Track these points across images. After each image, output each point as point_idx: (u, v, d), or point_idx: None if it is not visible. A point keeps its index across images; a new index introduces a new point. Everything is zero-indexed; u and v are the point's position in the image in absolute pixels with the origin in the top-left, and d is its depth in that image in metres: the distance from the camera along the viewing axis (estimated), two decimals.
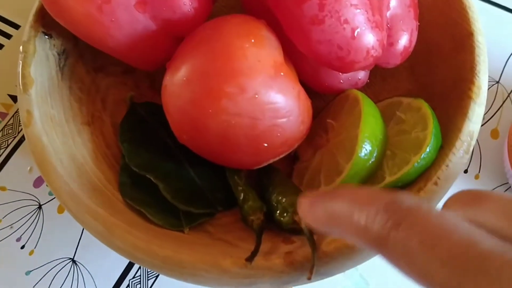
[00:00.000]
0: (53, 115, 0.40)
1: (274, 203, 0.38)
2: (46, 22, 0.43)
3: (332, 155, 0.39)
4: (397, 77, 0.45)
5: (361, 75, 0.41)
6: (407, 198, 0.22)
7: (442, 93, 0.40)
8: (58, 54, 0.43)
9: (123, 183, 0.40)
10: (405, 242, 0.20)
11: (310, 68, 0.40)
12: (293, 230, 0.37)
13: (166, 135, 0.42)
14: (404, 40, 0.40)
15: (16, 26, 0.60)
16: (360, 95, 0.39)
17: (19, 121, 0.54)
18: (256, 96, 0.34)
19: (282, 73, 0.36)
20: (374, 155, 0.37)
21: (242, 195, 0.40)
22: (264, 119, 0.35)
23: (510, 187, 0.47)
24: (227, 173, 0.41)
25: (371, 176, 0.37)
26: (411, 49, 0.40)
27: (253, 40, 0.35)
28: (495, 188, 0.48)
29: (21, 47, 0.42)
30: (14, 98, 0.56)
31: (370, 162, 0.37)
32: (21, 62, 0.41)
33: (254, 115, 0.35)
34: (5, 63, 0.58)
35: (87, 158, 0.41)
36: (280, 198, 0.38)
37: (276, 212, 0.38)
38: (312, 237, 0.35)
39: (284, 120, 0.36)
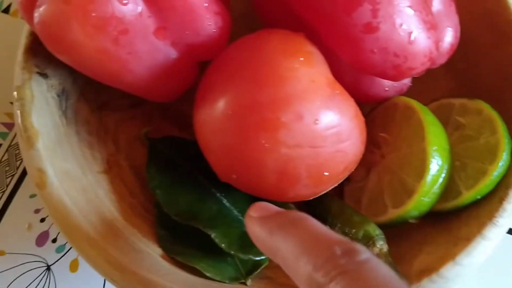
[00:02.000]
0: (68, 169, 0.35)
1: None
2: (39, 60, 0.36)
3: (393, 173, 0.35)
4: (434, 76, 0.41)
5: (407, 80, 0.37)
6: (354, 253, 0.22)
7: (492, 90, 0.37)
8: (58, 96, 0.37)
9: (162, 237, 0.35)
10: None
11: (350, 77, 0.36)
12: None
13: (196, 171, 0.37)
14: (449, 37, 0.36)
15: None
16: (415, 103, 0.35)
17: (5, 172, 0.48)
18: (316, 121, 0.30)
19: (337, 92, 0.32)
20: (445, 169, 0.33)
21: None
22: (326, 146, 0.31)
23: None
24: None
25: (444, 191, 0.34)
26: (456, 46, 0.37)
27: (302, 59, 0.31)
28: None
29: (15, 94, 0.35)
30: None
31: (442, 177, 0.33)
32: (19, 112, 0.34)
33: (316, 143, 0.31)
34: None
35: (115, 213, 0.35)
36: (347, 230, 0.34)
37: None
38: (397, 274, 0.31)
39: (346, 143, 0.32)
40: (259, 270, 0.33)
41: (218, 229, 0.34)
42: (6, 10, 0.55)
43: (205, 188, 0.37)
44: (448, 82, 0.41)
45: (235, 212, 0.36)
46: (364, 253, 0.22)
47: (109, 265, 0.31)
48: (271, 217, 0.27)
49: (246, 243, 0.33)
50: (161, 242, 0.34)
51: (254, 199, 0.36)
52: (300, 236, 0.24)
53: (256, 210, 0.28)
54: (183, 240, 0.34)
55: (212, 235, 0.33)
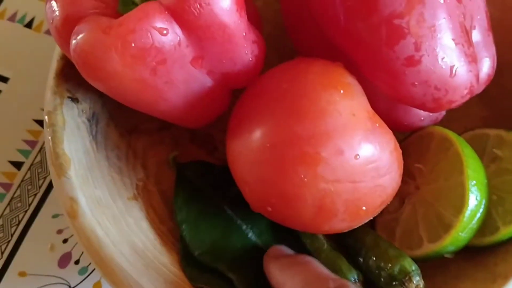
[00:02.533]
0: (99, 197, 0.34)
1: (374, 269, 0.34)
2: (70, 84, 0.36)
3: (429, 205, 0.34)
4: (466, 104, 0.40)
5: None
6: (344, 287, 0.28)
7: None
8: (88, 121, 0.37)
9: (189, 266, 0.34)
10: None
11: (385, 105, 0.36)
12: None
13: (222, 201, 0.37)
14: (487, 68, 0.36)
15: (4, 79, 0.52)
16: (452, 134, 0.35)
17: (28, 191, 0.48)
18: (357, 156, 0.30)
19: (377, 125, 0.31)
20: (483, 204, 0.33)
21: (328, 263, 0.34)
22: (366, 181, 0.30)
23: None
24: (304, 238, 0.36)
25: (481, 226, 0.33)
26: (493, 76, 0.36)
27: (342, 91, 0.31)
28: None
29: (46, 119, 0.35)
30: (16, 164, 0.49)
31: (480, 212, 0.33)
32: (50, 138, 0.34)
33: (355, 178, 0.30)
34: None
35: (146, 242, 0.34)
36: (382, 264, 0.33)
37: (380, 279, 0.33)
38: None
39: (386, 178, 0.31)
40: None
41: (241, 272, 0.33)
42: (29, 25, 0.55)
43: (231, 221, 0.36)
44: (480, 110, 0.41)
45: (260, 245, 0.35)
46: (352, 285, 0.28)
47: None
48: (285, 258, 0.33)
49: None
50: (187, 272, 0.34)
51: (279, 229, 0.36)
52: (305, 274, 0.30)
53: (273, 251, 0.34)
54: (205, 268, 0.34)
55: (235, 281, 0.33)
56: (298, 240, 0.36)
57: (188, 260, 0.35)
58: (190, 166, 0.39)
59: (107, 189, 0.35)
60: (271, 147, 0.30)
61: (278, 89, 0.32)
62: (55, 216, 0.47)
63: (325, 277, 0.30)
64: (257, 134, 0.31)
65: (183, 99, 0.33)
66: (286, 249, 0.34)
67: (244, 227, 0.36)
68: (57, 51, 0.36)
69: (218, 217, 0.36)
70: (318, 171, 0.29)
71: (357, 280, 0.34)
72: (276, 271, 0.32)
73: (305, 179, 0.30)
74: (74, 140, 0.35)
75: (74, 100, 0.36)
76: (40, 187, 0.48)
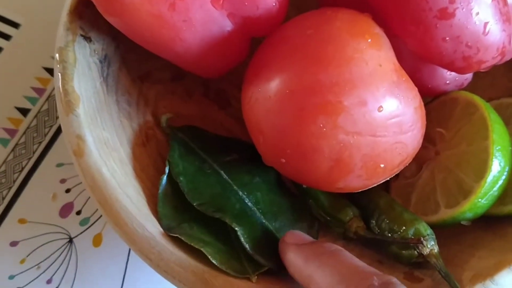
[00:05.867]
0: (107, 139, 0.33)
1: (386, 231, 0.32)
2: (84, 22, 0.35)
3: (449, 171, 0.33)
4: (493, 73, 0.39)
5: (469, 75, 0.35)
6: (392, 285, 0.23)
7: None
8: (100, 62, 0.35)
9: (166, 216, 0.32)
10: None
11: (411, 66, 0.34)
12: (416, 264, 0.31)
13: (217, 165, 0.35)
14: None
15: (15, 25, 0.51)
16: (478, 99, 0.33)
17: (33, 139, 0.46)
18: (381, 108, 0.28)
19: (404, 79, 0.30)
20: (507, 170, 0.31)
21: (330, 206, 0.34)
22: (388, 136, 0.29)
23: None
24: (310, 195, 0.35)
25: (502, 194, 0.32)
26: None
27: (369, 40, 0.29)
28: None
29: (57, 55, 0.33)
30: (23, 111, 0.48)
31: (503, 179, 0.31)
32: (60, 74, 0.33)
33: (376, 132, 0.29)
34: (7, 70, 0.49)
35: (152, 189, 0.33)
36: (395, 227, 0.32)
37: (393, 243, 0.32)
38: (450, 277, 0.29)
39: (408, 135, 0.30)
40: (265, 269, 0.31)
41: (244, 227, 0.32)
42: None
43: (228, 184, 0.34)
44: (507, 81, 0.39)
45: (258, 213, 0.34)
46: (400, 286, 0.24)
47: (144, 241, 0.29)
48: (308, 246, 0.28)
49: (270, 250, 0.31)
50: (163, 220, 0.32)
51: (277, 199, 0.34)
52: (337, 266, 0.25)
53: (292, 237, 0.30)
54: (188, 223, 0.32)
55: (238, 232, 0.31)
56: (295, 216, 0.35)
57: (165, 210, 0.33)
58: (183, 130, 0.37)
59: (115, 133, 0.34)
60: (291, 94, 0.29)
61: (301, 35, 0.30)
62: (59, 165, 0.45)
63: (366, 271, 0.25)
64: (276, 81, 0.30)
65: (200, 41, 0.32)
66: (306, 236, 0.30)
67: (240, 193, 0.34)
68: None
69: (215, 177, 0.34)
70: (338, 121, 0.28)
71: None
72: (299, 261, 0.28)
73: (324, 129, 0.28)
74: (84, 79, 0.33)
75: (87, 39, 0.35)
76: (45, 135, 0.47)
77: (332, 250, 0.27)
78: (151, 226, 0.30)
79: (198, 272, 0.29)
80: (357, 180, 0.31)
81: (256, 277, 0.30)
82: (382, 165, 0.30)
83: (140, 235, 0.29)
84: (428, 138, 0.35)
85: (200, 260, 0.29)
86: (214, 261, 0.29)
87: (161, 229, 0.31)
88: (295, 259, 0.28)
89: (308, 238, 0.30)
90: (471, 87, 0.39)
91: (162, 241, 0.29)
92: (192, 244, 0.30)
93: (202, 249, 0.29)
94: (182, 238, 0.30)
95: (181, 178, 0.34)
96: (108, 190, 0.30)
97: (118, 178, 0.31)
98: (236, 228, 0.31)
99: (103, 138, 0.33)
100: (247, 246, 0.31)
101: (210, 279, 0.29)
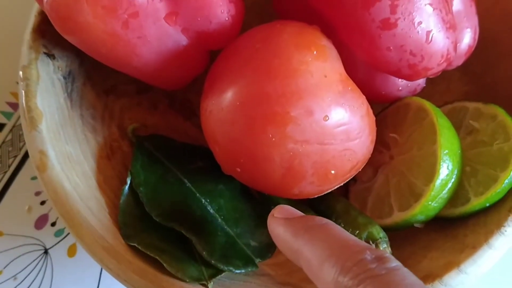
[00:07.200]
0: (70, 153, 0.34)
1: None
2: (47, 40, 0.36)
3: (401, 175, 0.34)
4: (448, 78, 0.40)
5: (421, 81, 0.36)
6: (385, 259, 0.22)
7: (509, 95, 0.36)
8: (64, 78, 0.37)
9: (125, 225, 0.33)
10: None
11: (364, 75, 0.35)
12: None
13: (182, 175, 0.36)
14: (468, 39, 0.35)
15: None
16: (428, 105, 0.34)
17: (9, 153, 0.47)
18: (326, 118, 0.29)
19: (349, 88, 0.31)
20: (455, 174, 0.32)
21: None
22: (335, 144, 0.30)
23: None
24: (272, 201, 0.36)
25: (452, 197, 0.33)
26: (473, 48, 0.36)
27: (315, 52, 0.30)
28: None
29: (20, 73, 0.35)
30: None
31: (452, 182, 0.32)
32: (23, 92, 0.34)
33: (324, 140, 0.30)
34: None
35: (115, 201, 0.34)
36: (350, 230, 0.33)
37: None
38: None
39: (356, 142, 0.31)
40: (222, 275, 0.32)
41: (200, 235, 0.33)
42: None
43: (190, 192, 0.35)
44: (462, 85, 0.40)
45: (219, 219, 0.35)
46: (394, 261, 0.23)
47: (104, 251, 0.30)
48: (297, 219, 0.27)
49: (228, 254, 0.32)
50: (123, 229, 0.33)
51: (240, 206, 0.35)
52: (327, 240, 0.24)
53: (280, 212, 0.28)
54: (147, 231, 0.33)
55: (193, 241, 0.32)
56: (257, 221, 0.35)
57: (126, 219, 0.34)
58: (149, 139, 0.38)
59: (79, 147, 0.35)
60: (241, 105, 0.30)
61: (251, 48, 0.31)
62: (33, 178, 0.47)
63: (358, 244, 0.24)
64: (228, 93, 0.31)
65: (157, 56, 0.33)
66: (295, 210, 0.28)
67: (203, 201, 0.35)
68: (35, 7, 0.36)
69: (178, 186, 0.36)
70: (287, 131, 0.29)
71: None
72: (287, 236, 0.26)
73: (274, 139, 0.29)
74: (47, 96, 0.35)
75: (50, 56, 0.36)
76: (20, 149, 0.48)
77: (323, 223, 0.26)
78: (111, 237, 0.31)
79: (156, 281, 0.30)
80: (311, 187, 0.32)
81: (212, 283, 0.31)
82: (332, 171, 0.31)
83: (100, 246, 0.30)
84: (383, 143, 0.36)
85: (158, 268, 0.30)
86: (170, 269, 0.30)
87: (121, 239, 0.32)
88: (284, 234, 0.27)
89: (298, 212, 0.28)
90: (428, 92, 0.40)
91: (121, 251, 0.30)
92: (147, 253, 0.31)
93: (157, 257, 0.30)
94: (139, 247, 0.31)
95: (141, 189, 0.35)
96: (69, 203, 0.31)
97: (80, 191, 0.32)
98: (191, 237, 0.32)
99: (66, 152, 0.34)
100: (204, 253, 0.32)
101: (167, 287, 0.30)
